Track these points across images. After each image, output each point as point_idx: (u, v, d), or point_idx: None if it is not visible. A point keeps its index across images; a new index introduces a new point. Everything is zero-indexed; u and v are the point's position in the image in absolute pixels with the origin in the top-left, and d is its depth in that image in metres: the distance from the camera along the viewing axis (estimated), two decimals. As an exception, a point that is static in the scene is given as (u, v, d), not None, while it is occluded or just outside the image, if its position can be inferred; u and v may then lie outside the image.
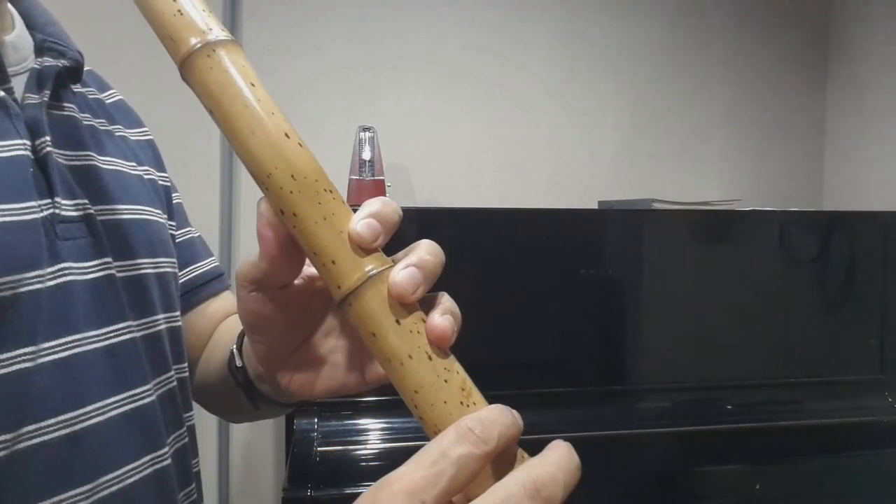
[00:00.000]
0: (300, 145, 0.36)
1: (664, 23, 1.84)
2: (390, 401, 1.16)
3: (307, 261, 0.38)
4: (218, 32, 0.36)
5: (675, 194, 1.66)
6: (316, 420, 1.17)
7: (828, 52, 1.92)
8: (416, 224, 1.27)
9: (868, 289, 1.39)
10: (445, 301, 0.36)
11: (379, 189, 1.47)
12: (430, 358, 0.33)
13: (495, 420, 0.31)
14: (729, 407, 1.31)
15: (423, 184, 1.73)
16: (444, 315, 0.34)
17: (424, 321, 0.34)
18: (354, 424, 1.18)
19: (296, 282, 0.41)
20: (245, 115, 0.35)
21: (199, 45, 0.36)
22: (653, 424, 1.28)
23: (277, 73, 1.65)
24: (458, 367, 0.34)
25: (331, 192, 0.35)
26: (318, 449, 1.14)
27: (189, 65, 0.36)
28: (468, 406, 0.33)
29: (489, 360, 1.26)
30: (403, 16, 1.71)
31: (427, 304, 0.36)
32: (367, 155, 1.48)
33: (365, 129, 1.50)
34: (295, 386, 0.44)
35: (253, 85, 0.36)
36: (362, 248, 0.35)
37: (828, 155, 1.93)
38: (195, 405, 0.64)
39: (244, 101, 0.35)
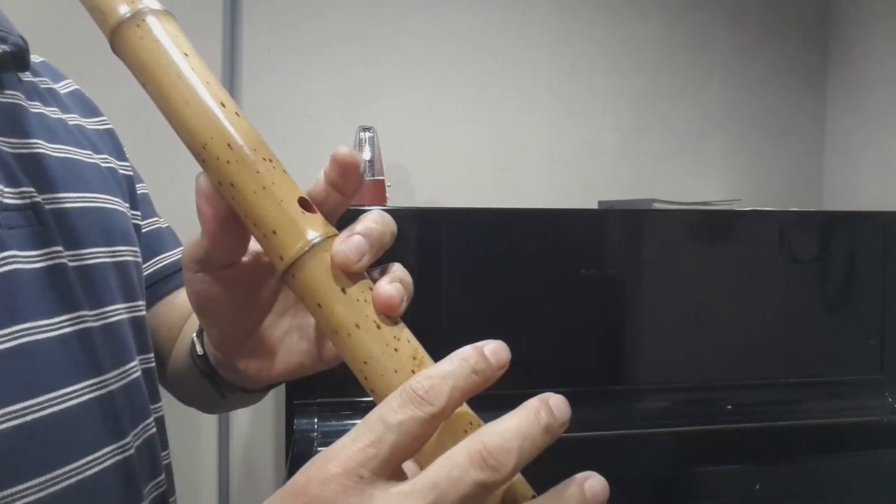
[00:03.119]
0: (237, 115, 0.35)
1: (664, 23, 1.84)
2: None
3: (254, 239, 0.36)
4: (149, 1, 0.35)
5: (675, 194, 1.66)
6: (316, 420, 1.17)
7: (828, 52, 1.92)
8: (415, 224, 1.27)
9: (868, 289, 1.39)
10: (396, 270, 0.35)
11: (379, 189, 1.47)
12: (378, 327, 0.32)
13: (447, 375, 0.29)
14: (729, 407, 1.31)
15: (423, 184, 1.73)
16: (393, 283, 0.33)
17: (372, 290, 0.33)
18: (354, 424, 1.17)
19: (243, 259, 0.40)
20: (178, 86, 0.34)
21: (128, 15, 0.34)
22: (653, 424, 1.28)
23: (278, 73, 1.65)
24: (408, 335, 0.33)
25: (270, 161, 0.34)
26: (319, 449, 1.13)
27: (118, 36, 0.35)
28: (416, 374, 0.31)
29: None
30: (403, 16, 1.71)
31: (378, 274, 0.35)
32: (367, 155, 1.48)
33: (365, 129, 1.50)
34: (252, 370, 0.43)
35: (186, 55, 0.35)
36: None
37: (828, 155, 1.93)
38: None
39: (177, 71, 0.34)
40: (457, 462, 0.28)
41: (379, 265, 0.36)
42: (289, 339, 0.43)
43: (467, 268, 1.27)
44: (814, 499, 1.31)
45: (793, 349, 1.38)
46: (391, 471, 0.29)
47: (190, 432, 1.63)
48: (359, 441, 0.29)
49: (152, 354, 0.53)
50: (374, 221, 0.35)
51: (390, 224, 0.36)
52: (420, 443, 0.29)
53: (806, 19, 1.91)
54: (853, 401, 1.35)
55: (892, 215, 1.41)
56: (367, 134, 1.49)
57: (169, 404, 0.64)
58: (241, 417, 1.67)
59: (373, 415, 0.29)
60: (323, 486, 0.28)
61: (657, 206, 1.48)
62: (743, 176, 1.89)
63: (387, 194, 1.49)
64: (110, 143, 0.57)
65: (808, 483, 1.30)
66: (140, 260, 0.54)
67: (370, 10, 1.69)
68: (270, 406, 1.67)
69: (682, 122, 1.86)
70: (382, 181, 1.48)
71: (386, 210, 1.34)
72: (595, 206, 1.69)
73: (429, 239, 1.27)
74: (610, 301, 1.33)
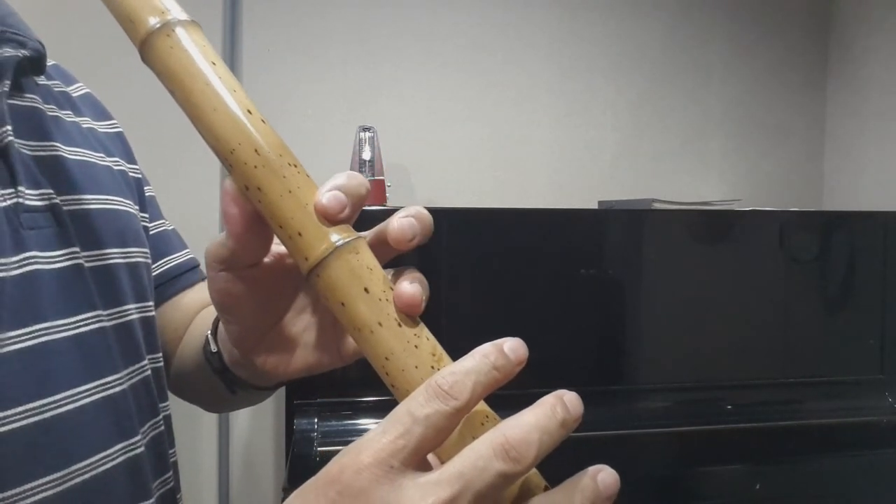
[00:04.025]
0: (263, 121, 0.36)
1: (664, 23, 1.84)
2: (390, 401, 1.16)
3: (276, 239, 0.38)
4: (177, 12, 0.37)
5: (675, 194, 1.66)
6: (316, 420, 1.17)
7: (828, 52, 1.92)
8: (416, 224, 1.26)
9: (868, 289, 1.39)
10: (414, 272, 0.37)
11: (379, 189, 1.47)
12: (399, 325, 0.34)
13: (470, 371, 0.31)
14: (729, 407, 1.31)
15: (423, 184, 1.73)
16: (413, 283, 0.35)
17: (393, 290, 0.35)
18: (354, 424, 1.18)
19: (265, 260, 0.41)
20: (207, 93, 0.35)
21: (158, 26, 0.36)
22: (653, 424, 1.28)
23: (277, 73, 1.65)
24: (427, 333, 0.35)
25: (295, 166, 0.36)
26: (318, 449, 1.14)
27: (149, 45, 0.36)
28: (439, 371, 0.33)
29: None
30: (404, 16, 1.71)
31: (394, 277, 0.36)
32: (367, 155, 1.48)
33: (365, 129, 1.50)
34: (270, 366, 0.44)
35: (214, 63, 0.36)
36: (328, 220, 0.35)
37: (828, 155, 1.93)
38: (180, 401, 0.64)
39: (205, 80, 0.35)
40: (481, 453, 0.29)
41: (394, 268, 0.38)
42: (307, 335, 0.44)
43: (467, 268, 1.27)
44: (814, 499, 1.31)
45: (793, 349, 1.39)
46: (418, 462, 0.30)
47: (190, 432, 1.63)
48: (388, 433, 0.30)
49: (161, 354, 0.54)
50: (423, 209, 0.38)
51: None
52: (445, 435, 0.31)
53: (806, 19, 1.91)
54: (853, 401, 1.35)
55: (892, 215, 1.41)
56: (367, 134, 1.50)
57: (169, 405, 0.64)
58: (241, 417, 1.67)
59: (400, 409, 0.31)
60: (356, 475, 0.30)
61: (657, 206, 1.49)
62: (743, 176, 1.89)
63: (387, 194, 1.49)
64: (121, 146, 0.58)
65: (808, 483, 1.30)
66: (149, 261, 0.55)
67: (370, 9, 1.69)
68: (270, 406, 1.67)
69: (682, 122, 1.86)
70: (382, 181, 1.48)
71: (386, 210, 1.34)
72: (595, 206, 1.69)
73: (429, 239, 1.26)
74: (610, 301, 1.33)
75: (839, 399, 1.35)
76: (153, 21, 0.36)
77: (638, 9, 1.82)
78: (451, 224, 1.28)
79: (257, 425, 1.68)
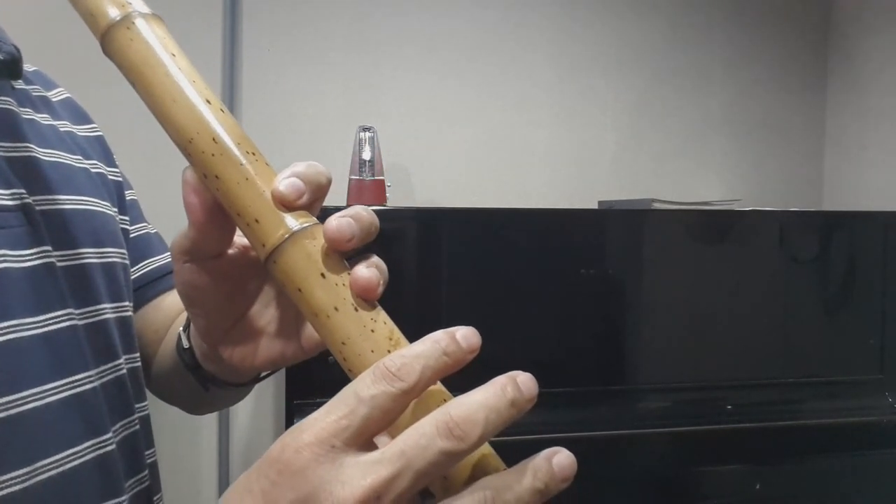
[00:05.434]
0: (222, 111, 0.36)
1: (664, 23, 1.84)
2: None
3: (241, 232, 0.38)
4: (138, 5, 0.37)
5: (675, 194, 1.66)
6: (316, 420, 1.17)
7: (828, 52, 1.92)
8: (416, 224, 1.27)
9: (868, 289, 1.40)
10: (372, 257, 0.37)
11: (379, 189, 1.47)
12: (356, 309, 0.34)
13: (419, 355, 0.30)
14: (729, 407, 1.31)
15: (423, 184, 1.73)
16: (370, 267, 0.35)
17: (350, 275, 0.35)
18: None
19: (229, 252, 0.41)
20: (166, 84, 0.36)
21: (118, 18, 0.36)
22: (653, 424, 1.28)
23: (278, 73, 1.65)
24: (385, 317, 0.34)
25: (253, 154, 0.36)
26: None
27: (109, 38, 0.37)
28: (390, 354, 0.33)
29: (488, 360, 1.24)
30: (404, 16, 1.71)
31: (354, 263, 0.36)
32: (367, 155, 1.48)
33: (365, 129, 1.50)
34: (236, 359, 0.44)
35: (174, 55, 0.36)
36: (286, 207, 0.35)
37: (828, 155, 1.93)
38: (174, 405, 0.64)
39: (165, 71, 0.36)
40: (424, 432, 0.29)
41: (364, 260, 0.37)
42: (272, 327, 0.44)
43: (467, 268, 1.27)
44: (813, 499, 1.31)
45: (793, 349, 1.39)
46: (362, 442, 0.30)
47: (190, 432, 1.63)
48: (332, 413, 0.30)
49: (138, 354, 0.54)
50: (364, 210, 0.36)
51: (375, 218, 0.37)
52: (391, 417, 0.30)
53: (806, 19, 1.91)
54: (853, 401, 1.35)
55: (892, 215, 1.41)
56: (367, 134, 1.49)
57: (169, 406, 0.64)
58: (241, 418, 1.67)
59: (347, 389, 0.31)
60: (296, 454, 0.29)
61: (657, 206, 1.49)
62: (743, 176, 1.89)
63: (387, 194, 1.49)
64: (100, 149, 0.58)
65: (808, 483, 1.30)
66: (127, 262, 0.55)
67: (370, 10, 1.69)
68: (270, 406, 1.67)
69: (682, 122, 1.86)
70: (382, 181, 1.48)
71: (386, 210, 1.34)
72: (595, 206, 1.69)
73: (429, 239, 1.27)
74: (610, 301, 1.33)
75: (839, 399, 1.35)
76: (113, 13, 0.36)
77: (638, 9, 1.82)
78: (451, 224, 1.28)
79: (257, 425, 1.68)
